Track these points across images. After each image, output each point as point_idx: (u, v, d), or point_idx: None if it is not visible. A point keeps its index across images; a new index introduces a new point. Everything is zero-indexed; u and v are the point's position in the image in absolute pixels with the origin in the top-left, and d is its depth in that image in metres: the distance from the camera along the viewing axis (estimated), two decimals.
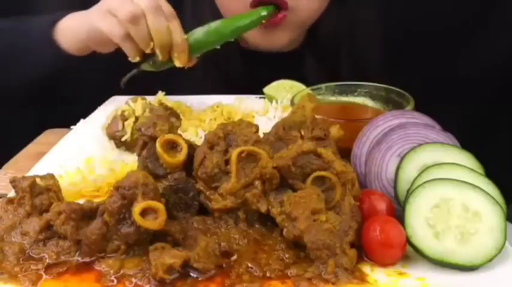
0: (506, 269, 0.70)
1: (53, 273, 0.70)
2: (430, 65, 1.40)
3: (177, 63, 1.09)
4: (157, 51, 1.07)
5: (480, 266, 0.70)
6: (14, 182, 0.80)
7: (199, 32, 1.11)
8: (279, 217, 0.74)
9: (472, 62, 1.40)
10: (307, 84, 1.15)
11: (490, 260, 0.70)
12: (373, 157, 0.83)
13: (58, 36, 1.17)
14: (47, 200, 0.79)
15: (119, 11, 1.04)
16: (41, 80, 1.19)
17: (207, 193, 0.78)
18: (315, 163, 0.77)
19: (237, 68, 1.38)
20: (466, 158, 0.78)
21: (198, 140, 1.03)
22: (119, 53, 1.15)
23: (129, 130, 1.03)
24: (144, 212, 0.70)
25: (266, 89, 1.23)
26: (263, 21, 1.16)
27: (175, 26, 1.08)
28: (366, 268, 0.71)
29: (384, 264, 0.71)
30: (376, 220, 0.73)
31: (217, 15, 1.26)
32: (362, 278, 0.69)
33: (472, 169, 0.76)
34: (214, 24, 1.12)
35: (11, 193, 0.84)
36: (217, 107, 1.19)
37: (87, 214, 0.75)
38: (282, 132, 0.85)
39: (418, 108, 0.94)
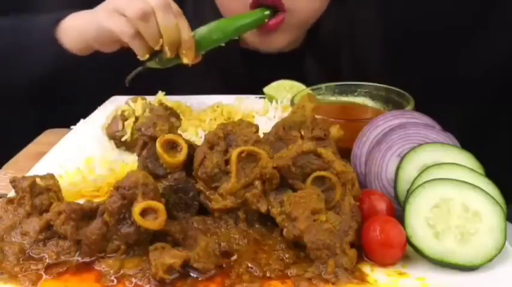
0: (506, 269, 0.70)
1: (53, 273, 0.70)
2: (430, 65, 1.40)
3: (185, 60, 1.10)
4: (166, 48, 1.07)
5: (480, 266, 0.70)
6: (14, 182, 0.80)
7: (204, 30, 1.12)
8: (279, 217, 0.74)
9: (472, 62, 1.40)
10: (307, 84, 1.15)
11: (490, 260, 0.70)
12: (373, 157, 0.83)
13: (61, 35, 1.17)
14: (47, 200, 0.79)
15: (128, 9, 1.05)
16: (41, 80, 1.19)
17: (207, 193, 0.78)
18: (315, 163, 0.77)
19: (237, 68, 1.38)
20: (466, 158, 0.78)
21: (198, 140, 1.03)
22: (120, 53, 1.15)
23: (129, 130, 1.03)
24: (144, 212, 0.70)
25: (266, 89, 1.23)
26: (265, 21, 1.18)
27: (184, 23, 1.08)
28: (366, 268, 0.71)
29: (384, 264, 0.71)
30: (376, 220, 0.73)
31: (217, 15, 1.26)
32: (362, 278, 0.69)
33: (472, 169, 0.76)
34: (218, 23, 1.14)
35: (11, 193, 0.84)
36: (217, 107, 1.19)
37: (87, 214, 0.75)
38: (282, 132, 0.85)
39: (418, 108, 0.94)
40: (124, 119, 1.05)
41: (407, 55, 1.40)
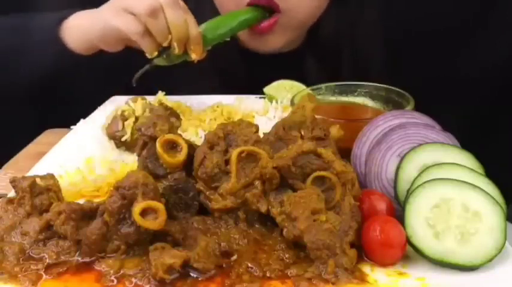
0: (506, 269, 0.70)
1: (53, 273, 0.70)
2: (430, 65, 1.40)
3: (193, 56, 1.10)
4: (175, 44, 1.07)
5: (480, 266, 0.70)
6: (14, 182, 0.80)
7: (209, 25, 1.14)
8: (279, 217, 0.74)
9: (472, 62, 1.40)
10: (308, 84, 1.15)
11: (490, 260, 0.70)
12: (373, 157, 0.83)
13: (64, 35, 1.17)
14: (47, 200, 0.79)
15: (136, 6, 1.05)
16: (43, 79, 1.18)
17: (207, 193, 0.78)
18: (315, 163, 0.77)
19: (237, 68, 1.38)
20: (466, 158, 0.78)
21: (198, 140, 1.03)
22: (121, 53, 1.15)
23: (129, 130, 1.03)
24: (144, 212, 0.70)
25: (266, 89, 1.23)
26: (261, 20, 1.19)
27: (191, 19, 1.09)
28: (366, 268, 0.71)
29: (384, 264, 0.71)
30: (376, 220, 0.73)
31: (217, 15, 1.26)
32: (362, 278, 0.69)
33: (472, 169, 0.76)
34: (221, 18, 1.16)
35: (11, 193, 0.84)
36: (217, 107, 1.19)
37: (87, 214, 0.75)
38: (282, 132, 0.85)
39: (418, 108, 0.94)
40: (124, 119, 1.05)
41: (407, 55, 1.40)
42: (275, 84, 1.24)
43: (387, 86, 1.05)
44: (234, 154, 0.77)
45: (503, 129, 1.45)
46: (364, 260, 0.72)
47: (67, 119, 1.17)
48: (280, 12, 1.20)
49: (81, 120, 1.17)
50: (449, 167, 0.76)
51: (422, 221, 0.72)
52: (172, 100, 1.18)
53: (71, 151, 1.03)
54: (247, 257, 0.72)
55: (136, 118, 1.05)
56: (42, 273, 0.70)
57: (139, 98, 1.10)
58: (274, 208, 0.75)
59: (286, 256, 0.73)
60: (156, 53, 1.09)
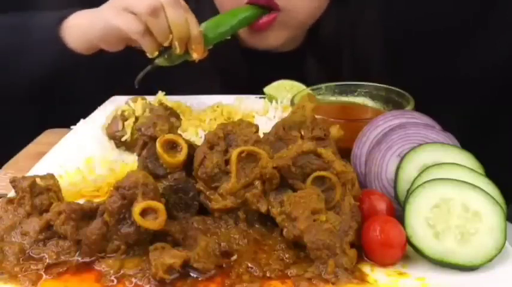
0: (506, 269, 0.70)
1: (53, 273, 0.70)
2: (430, 65, 1.40)
3: (195, 55, 1.10)
4: (176, 44, 1.07)
5: (480, 266, 0.70)
6: (14, 182, 0.80)
7: (209, 24, 1.13)
8: (279, 217, 0.74)
9: (472, 62, 1.40)
10: (308, 84, 1.15)
11: (490, 260, 0.70)
12: (373, 157, 0.83)
13: (65, 34, 1.17)
14: (47, 200, 0.79)
15: (137, 5, 1.05)
16: (43, 79, 1.18)
17: (207, 193, 0.78)
18: (315, 163, 0.77)
19: (237, 68, 1.38)
20: (466, 158, 0.78)
21: (198, 140, 1.03)
22: (121, 52, 1.15)
23: (129, 130, 1.03)
24: (144, 212, 0.70)
25: (266, 89, 1.23)
26: (261, 17, 1.20)
27: (192, 18, 1.09)
28: (366, 268, 0.71)
29: (384, 264, 0.71)
30: (376, 220, 0.73)
31: (217, 14, 1.26)
32: (362, 278, 0.69)
33: (472, 169, 0.76)
34: (222, 16, 1.16)
35: (11, 193, 0.84)
36: (217, 107, 1.19)
37: (87, 214, 0.75)
38: (282, 132, 0.85)
39: (418, 108, 0.94)
40: (124, 119, 1.05)
41: (407, 55, 1.40)
42: (275, 84, 1.24)
43: (387, 86, 1.05)
44: (234, 154, 0.77)
45: (503, 129, 1.45)
46: (364, 260, 0.72)
47: (67, 119, 1.17)
48: (280, 11, 1.21)
49: (81, 120, 1.17)
50: (449, 167, 0.76)
51: (422, 221, 0.72)
52: (172, 100, 1.18)
53: (71, 151, 1.03)
54: (247, 257, 0.72)
55: (136, 118, 1.05)
56: (42, 273, 0.70)
57: (139, 98, 1.10)
58: (274, 208, 0.75)
59: (286, 256, 0.72)
60: (156, 53, 1.09)
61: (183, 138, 0.81)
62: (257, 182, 0.77)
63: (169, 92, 1.21)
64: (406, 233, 0.71)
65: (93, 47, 1.16)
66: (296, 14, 1.23)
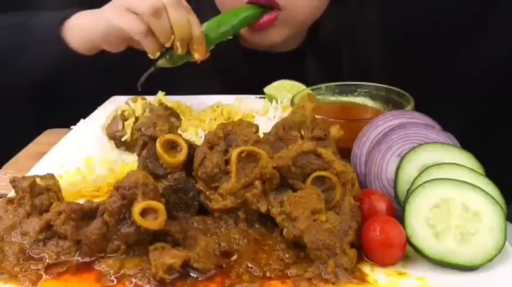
0: (506, 269, 0.70)
1: (53, 273, 0.70)
2: (430, 65, 1.40)
3: (197, 56, 1.10)
4: (178, 44, 1.07)
5: (480, 266, 0.70)
6: (14, 182, 0.80)
7: (211, 24, 1.13)
8: (279, 217, 0.74)
9: (472, 62, 1.40)
10: (308, 84, 1.15)
11: (490, 260, 0.70)
12: (373, 157, 0.83)
13: (66, 35, 1.17)
14: (47, 200, 0.79)
15: (139, 6, 1.05)
16: (44, 79, 1.18)
17: (207, 193, 0.78)
18: (315, 163, 0.77)
19: (237, 68, 1.38)
20: (466, 158, 0.78)
21: (198, 140, 1.03)
22: (122, 53, 1.15)
23: (129, 130, 1.03)
24: (144, 212, 0.70)
25: (267, 89, 1.23)
26: (262, 17, 1.20)
27: (194, 18, 1.09)
28: (366, 268, 0.71)
29: (384, 264, 0.71)
30: (376, 220, 0.73)
31: (218, 13, 1.26)
32: (362, 278, 0.69)
33: (472, 169, 0.76)
34: (223, 16, 1.16)
35: (11, 193, 0.84)
36: (217, 107, 1.19)
37: (87, 214, 0.75)
38: (282, 132, 0.85)
39: (418, 108, 0.94)
40: (124, 119, 1.05)
41: (407, 55, 1.40)
42: (275, 84, 1.24)
43: (387, 86, 1.05)
44: (234, 154, 0.77)
45: (503, 129, 1.45)
46: (364, 260, 0.72)
47: (67, 119, 1.17)
48: (280, 10, 1.21)
49: (81, 120, 1.17)
50: (449, 167, 0.76)
51: (422, 221, 0.72)
52: (172, 100, 1.18)
53: (71, 151, 1.03)
54: (247, 257, 0.72)
55: (136, 118, 1.05)
56: (42, 273, 0.70)
57: (139, 98, 1.10)
58: (274, 208, 0.75)
59: (286, 256, 0.72)
60: (158, 54, 1.09)
61: (183, 139, 0.81)
62: (257, 182, 0.77)
63: (169, 92, 1.21)
64: (406, 233, 0.71)
65: (95, 48, 1.16)
66: (296, 13, 1.23)
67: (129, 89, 1.18)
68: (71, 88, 1.25)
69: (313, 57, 1.40)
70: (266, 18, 1.21)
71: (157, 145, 0.78)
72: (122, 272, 0.70)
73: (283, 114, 1.11)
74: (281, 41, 1.28)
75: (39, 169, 0.94)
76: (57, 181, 0.83)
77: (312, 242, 0.70)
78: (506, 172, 0.99)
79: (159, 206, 0.71)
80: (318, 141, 0.82)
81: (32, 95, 1.21)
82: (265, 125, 1.02)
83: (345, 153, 0.85)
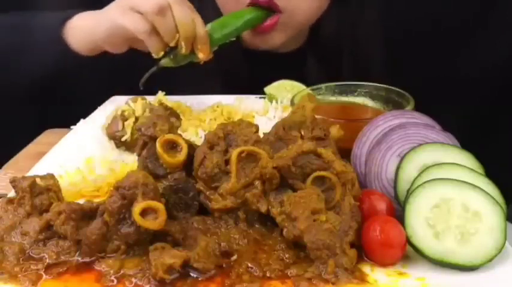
0: (506, 269, 0.70)
1: (53, 273, 0.70)
2: (430, 65, 1.40)
3: (201, 56, 1.10)
4: (182, 44, 1.06)
5: (480, 266, 0.70)
6: (14, 182, 0.80)
7: (215, 25, 1.13)
8: (279, 217, 0.74)
9: (472, 62, 1.40)
10: (308, 84, 1.15)
11: (490, 260, 0.70)
12: (373, 157, 0.83)
13: (68, 36, 1.16)
14: (47, 200, 0.79)
15: (144, 5, 1.04)
16: (44, 79, 1.18)
17: (207, 193, 0.78)
18: (315, 163, 0.77)
19: (237, 68, 1.38)
20: (466, 158, 0.78)
21: (198, 140, 1.03)
22: (122, 53, 1.14)
23: (129, 130, 1.03)
24: (144, 212, 0.70)
25: (267, 89, 1.24)
26: (265, 20, 1.20)
27: (198, 18, 1.08)
28: (366, 268, 0.71)
29: (384, 264, 0.71)
30: (376, 220, 0.73)
31: (219, 15, 1.26)
32: (362, 278, 0.69)
33: (472, 169, 0.76)
34: (228, 18, 1.16)
35: (11, 193, 0.84)
36: (217, 107, 1.19)
37: (87, 214, 0.75)
38: (282, 132, 0.85)
39: (418, 108, 0.94)
40: (124, 119, 1.05)
41: (407, 55, 1.40)
42: (276, 84, 1.24)
43: (387, 86, 1.05)
44: (234, 154, 0.77)
45: (503, 129, 1.45)
46: (364, 260, 0.72)
47: (67, 119, 1.17)
48: (281, 12, 1.21)
49: (81, 120, 1.17)
50: (449, 167, 0.76)
51: (422, 221, 0.72)
52: (172, 100, 1.18)
53: (71, 151, 1.03)
54: (247, 257, 0.72)
55: (136, 118, 1.04)
56: (42, 273, 0.70)
57: (139, 98, 1.10)
58: (274, 208, 0.75)
59: (286, 256, 0.72)
60: (162, 53, 1.09)
61: (183, 139, 0.81)
62: (257, 182, 0.77)
63: (169, 92, 1.21)
64: (406, 233, 0.71)
65: (97, 49, 1.16)
66: (296, 16, 1.23)
67: (129, 89, 1.18)
68: (71, 88, 1.25)
69: (313, 58, 1.40)
70: (269, 21, 1.21)
71: (157, 145, 0.78)
72: (122, 272, 0.70)
73: (283, 114, 1.11)
74: (281, 43, 1.28)
75: (39, 169, 0.94)
76: (57, 181, 0.83)
77: (312, 242, 0.70)
78: (506, 172, 0.99)
79: (159, 206, 0.71)
80: (318, 141, 0.82)
81: (32, 95, 1.21)
82: (265, 125, 1.02)
83: (345, 153, 0.85)
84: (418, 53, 1.41)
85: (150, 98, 1.14)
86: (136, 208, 0.70)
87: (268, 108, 1.17)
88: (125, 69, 1.16)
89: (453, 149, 0.80)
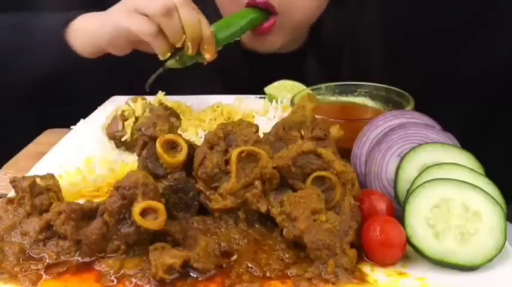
0: (506, 269, 0.70)
1: (53, 273, 0.70)
2: (430, 65, 1.40)
3: (207, 56, 1.10)
4: (189, 44, 1.06)
5: (480, 266, 0.70)
6: (14, 182, 0.80)
7: (219, 25, 1.13)
8: (279, 217, 0.74)
9: (472, 62, 1.40)
10: (308, 85, 1.15)
11: (490, 260, 0.70)
12: (373, 157, 0.83)
13: (70, 38, 1.16)
14: (47, 200, 0.79)
15: (149, 7, 1.04)
16: (44, 80, 1.18)
17: (207, 193, 0.78)
18: (315, 163, 0.77)
19: (237, 68, 1.38)
20: (466, 158, 0.78)
21: (198, 140, 1.03)
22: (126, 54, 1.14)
23: (129, 130, 1.03)
24: (144, 212, 0.70)
25: (267, 89, 1.24)
26: (265, 21, 1.20)
27: (204, 18, 1.08)
28: (366, 268, 0.71)
29: (384, 264, 0.71)
30: (376, 220, 0.73)
31: (220, 15, 1.26)
32: (362, 278, 0.69)
33: (472, 169, 0.76)
34: (231, 17, 1.16)
35: (11, 193, 0.84)
36: (217, 107, 1.19)
37: (87, 214, 0.75)
38: (282, 132, 0.85)
39: (418, 108, 0.94)
40: (124, 119, 1.05)
41: (407, 55, 1.40)
42: (276, 84, 1.24)
43: (387, 86, 1.05)
44: (234, 154, 0.77)
45: (503, 129, 1.45)
46: (364, 260, 0.72)
47: (67, 119, 1.17)
48: (278, 14, 1.20)
49: (81, 120, 1.17)
50: (449, 167, 0.76)
51: (422, 221, 0.72)
52: (172, 100, 1.18)
53: (71, 151, 1.03)
54: (247, 257, 0.72)
55: (136, 118, 1.04)
56: (42, 273, 0.70)
57: (139, 98, 1.10)
58: (274, 208, 0.75)
59: (286, 256, 0.72)
60: (169, 54, 1.08)
61: (183, 139, 0.81)
62: (257, 182, 0.77)
63: (169, 92, 1.21)
64: (406, 233, 0.71)
65: (100, 51, 1.15)
66: (294, 16, 1.23)
67: (129, 89, 1.17)
68: (71, 88, 1.25)
69: (313, 58, 1.40)
70: (266, 23, 1.21)
71: (157, 145, 0.78)
72: (122, 272, 0.70)
73: (283, 114, 1.11)
74: (280, 45, 1.28)
75: (39, 169, 0.94)
76: (57, 181, 0.83)
77: (312, 242, 0.70)
78: (506, 172, 0.99)
79: (159, 206, 0.71)
80: (318, 141, 0.82)
81: (32, 95, 1.21)
82: (265, 125, 1.02)
83: (345, 153, 0.85)
84: (418, 53, 1.41)
85: (150, 98, 1.14)
86: (136, 208, 0.70)
87: (268, 108, 1.17)
88: (125, 69, 1.16)
89: (453, 149, 0.80)
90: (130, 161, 0.97)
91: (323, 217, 0.72)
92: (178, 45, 1.07)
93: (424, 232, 0.71)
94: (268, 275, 0.69)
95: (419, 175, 0.76)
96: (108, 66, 1.19)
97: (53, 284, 0.69)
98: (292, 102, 1.02)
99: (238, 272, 0.70)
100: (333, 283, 0.68)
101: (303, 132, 0.84)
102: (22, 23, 1.21)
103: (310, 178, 0.76)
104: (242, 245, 0.74)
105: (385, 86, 1.06)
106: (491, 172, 0.78)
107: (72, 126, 1.15)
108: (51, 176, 0.83)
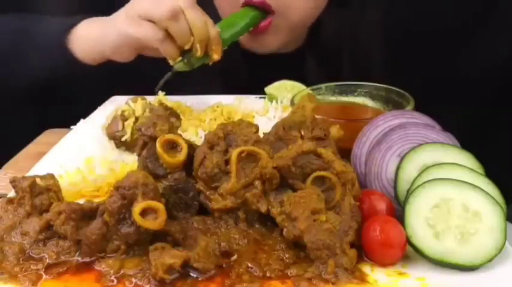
0: (506, 269, 0.70)
1: (53, 273, 0.70)
2: (430, 65, 1.40)
3: (215, 56, 1.10)
4: (197, 46, 1.06)
5: (480, 266, 0.70)
6: (14, 182, 0.80)
7: (223, 25, 1.14)
8: (279, 217, 0.74)
9: (472, 62, 1.40)
10: (308, 85, 1.15)
11: (490, 260, 0.70)
12: (373, 157, 0.83)
13: (73, 45, 1.15)
14: (47, 200, 0.79)
15: (155, 12, 1.03)
16: (44, 83, 1.18)
17: (207, 193, 0.78)
18: (315, 163, 0.77)
19: (237, 68, 1.38)
20: (466, 158, 0.78)
21: (198, 140, 1.03)
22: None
23: (129, 130, 1.03)
24: (144, 212, 0.70)
25: (267, 89, 1.24)
26: (264, 20, 1.20)
27: (209, 19, 1.08)
28: (366, 268, 0.71)
29: (384, 264, 0.71)
30: (376, 220, 0.73)
31: (218, 16, 1.26)
32: (362, 278, 0.69)
33: (472, 169, 0.76)
34: (234, 16, 1.17)
35: (11, 193, 0.84)
36: (217, 107, 1.19)
37: (87, 214, 0.75)
38: (282, 132, 0.85)
39: (418, 108, 0.94)
40: (124, 119, 1.05)
41: (407, 55, 1.40)
42: (276, 84, 1.24)
43: (387, 86, 1.05)
44: (234, 154, 0.77)
45: (503, 129, 1.45)
46: (364, 260, 0.72)
47: (67, 119, 1.17)
48: (274, 13, 1.20)
49: (81, 120, 1.17)
50: (449, 167, 0.76)
51: (422, 221, 0.72)
52: (172, 100, 1.18)
53: (71, 151, 1.03)
54: (247, 257, 0.72)
55: (136, 118, 1.04)
56: (42, 273, 0.70)
57: (139, 98, 1.10)
58: (274, 208, 0.75)
59: (286, 256, 0.73)
60: (179, 58, 1.08)
61: (183, 139, 0.81)
62: (257, 182, 0.77)
63: (169, 92, 1.21)
64: (406, 233, 0.71)
65: (103, 58, 1.15)
66: (291, 16, 1.23)
67: (129, 89, 1.17)
68: (71, 88, 1.25)
69: (313, 58, 1.40)
70: (263, 23, 1.20)
71: (157, 145, 0.78)
72: (122, 272, 0.70)
73: (283, 114, 1.12)
74: (277, 46, 1.28)
75: (39, 169, 0.95)
76: (57, 181, 0.83)
77: (312, 242, 0.70)
78: (506, 172, 0.99)
79: (159, 206, 0.71)
80: (318, 141, 0.82)
81: (32, 95, 1.21)
82: (265, 125, 1.02)
83: (345, 153, 0.85)
84: (418, 53, 1.41)
85: (150, 98, 1.14)
86: (136, 208, 0.70)
87: (268, 108, 1.17)
88: (125, 69, 1.16)
89: (453, 149, 0.80)
90: (130, 161, 0.97)
91: (323, 217, 0.72)
92: (187, 47, 1.07)
93: (424, 232, 0.71)
94: (268, 275, 0.69)
95: (419, 175, 0.76)
96: (108, 66, 1.19)
97: (53, 284, 0.69)
98: (292, 102, 1.02)
99: (238, 272, 0.70)
100: (333, 283, 0.68)
101: (303, 132, 0.84)
102: (24, 27, 1.20)
103: (310, 178, 0.76)
104: (242, 245, 0.74)
105: (385, 86, 1.06)
106: (491, 172, 0.78)
107: (72, 126, 1.15)
108: (51, 176, 0.83)
